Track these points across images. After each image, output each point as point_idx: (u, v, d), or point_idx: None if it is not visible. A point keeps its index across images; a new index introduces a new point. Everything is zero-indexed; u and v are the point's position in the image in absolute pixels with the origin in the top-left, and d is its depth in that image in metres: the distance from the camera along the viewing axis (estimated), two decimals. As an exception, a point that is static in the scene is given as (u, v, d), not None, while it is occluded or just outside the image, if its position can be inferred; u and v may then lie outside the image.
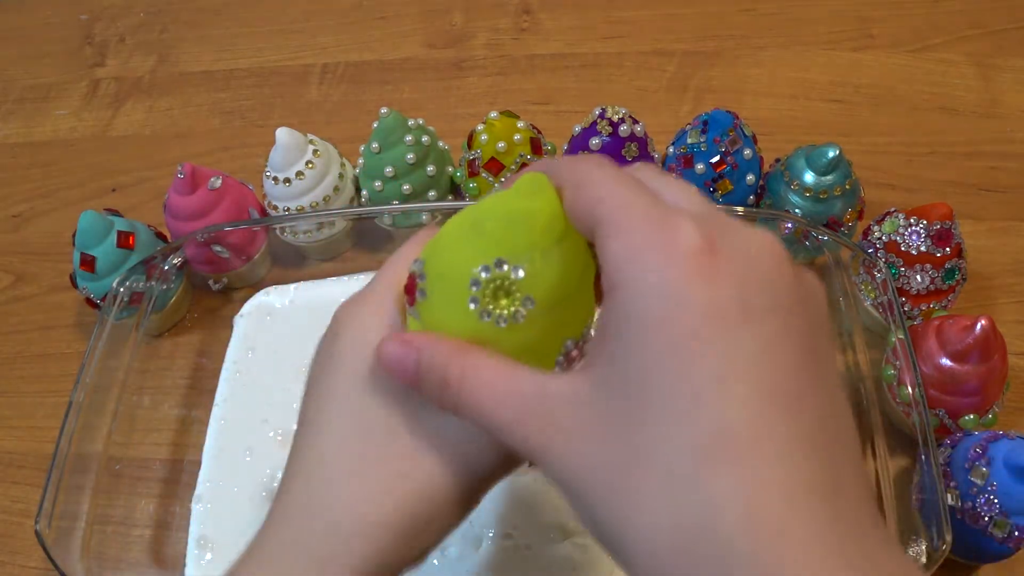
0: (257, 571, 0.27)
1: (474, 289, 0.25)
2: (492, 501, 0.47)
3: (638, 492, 0.21)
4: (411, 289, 0.27)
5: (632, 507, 0.21)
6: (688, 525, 0.20)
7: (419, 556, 0.28)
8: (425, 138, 0.54)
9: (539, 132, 0.55)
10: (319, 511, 0.27)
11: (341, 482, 0.27)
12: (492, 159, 0.53)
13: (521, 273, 0.25)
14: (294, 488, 0.28)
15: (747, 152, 0.51)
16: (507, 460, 0.28)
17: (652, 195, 0.23)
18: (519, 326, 0.25)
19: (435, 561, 0.46)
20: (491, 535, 0.46)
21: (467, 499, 0.28)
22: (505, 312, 0.25)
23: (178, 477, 0.52)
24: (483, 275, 0.25)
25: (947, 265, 0.48)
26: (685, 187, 0.25)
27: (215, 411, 0.53)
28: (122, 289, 0.52)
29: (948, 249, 0.48)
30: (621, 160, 0.52)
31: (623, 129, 0.51)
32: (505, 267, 0.25)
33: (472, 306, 0.25)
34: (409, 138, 0.54)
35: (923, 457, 0.43)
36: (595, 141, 0.51)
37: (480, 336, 0.26)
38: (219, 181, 0.55)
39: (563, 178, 0.25)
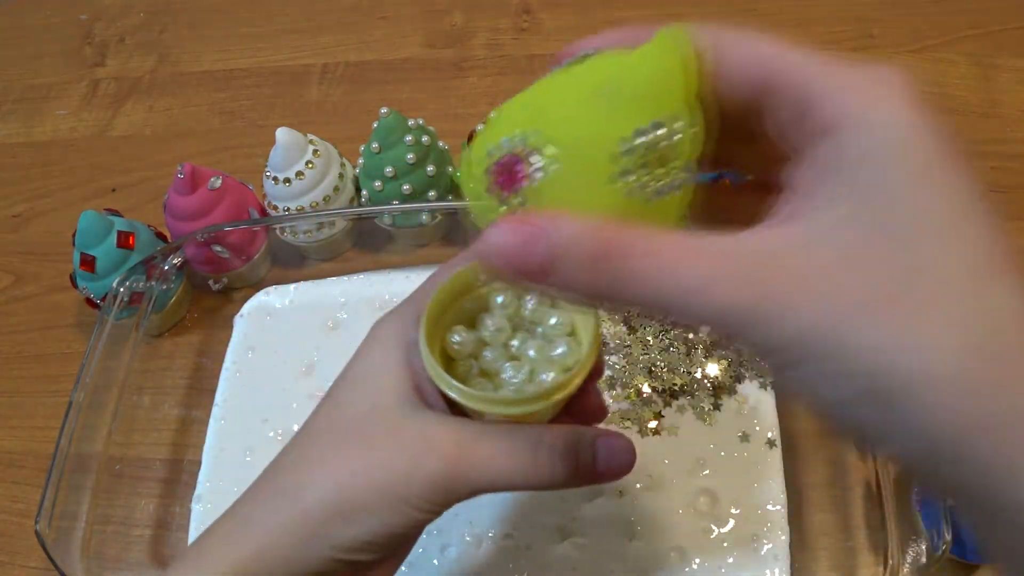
0: (238, 532, 0.30)
1: (625, 159, 0.22)
2: (492, 501, 0.47)
3: (911, 318, 0.19)
4: (514, 171, 0.23)
5: (907, 337, 0.19)
6: (974, 342, 0.19)
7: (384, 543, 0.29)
8: (425, 138, 0.54)
9: (539, 132, 0.55)
10: (293, 486, 0.29)
11: (317, 465, 0.30)
12: (492, 159, 0.53)
13: (679, 135, 0.22)
14: (277, 463, 0.32)
15: (747, 152, 0.51)
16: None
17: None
18: (672, 198, 0.22)
19: (435, 561, 0.46)
20: (491, 535, 0.46)
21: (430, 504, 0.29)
22: (663, 182, 0.22)
23: (178, 477, 0.52)
24: (638, 140, 0.22)
25: (947, 265, 0.48)
26: None
27: (215, 411, 0.53)
28: (122, 289, 0.52)
29: (948, 249, 0.47)
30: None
31: (623, 129, 0.51)
32: (663, 130, 0.22)
33: (623, 178, 0.22)
34: (409, 138, 0.54)
35: (923, 457, 0.43)
36: (595, 141, 0.51)
37: (624, 214, 0.22)
38: (219, 181, 0.55)
39: (697, 36, 0.23)
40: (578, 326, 0.32)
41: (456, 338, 0.31)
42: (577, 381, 0.29)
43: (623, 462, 0.30)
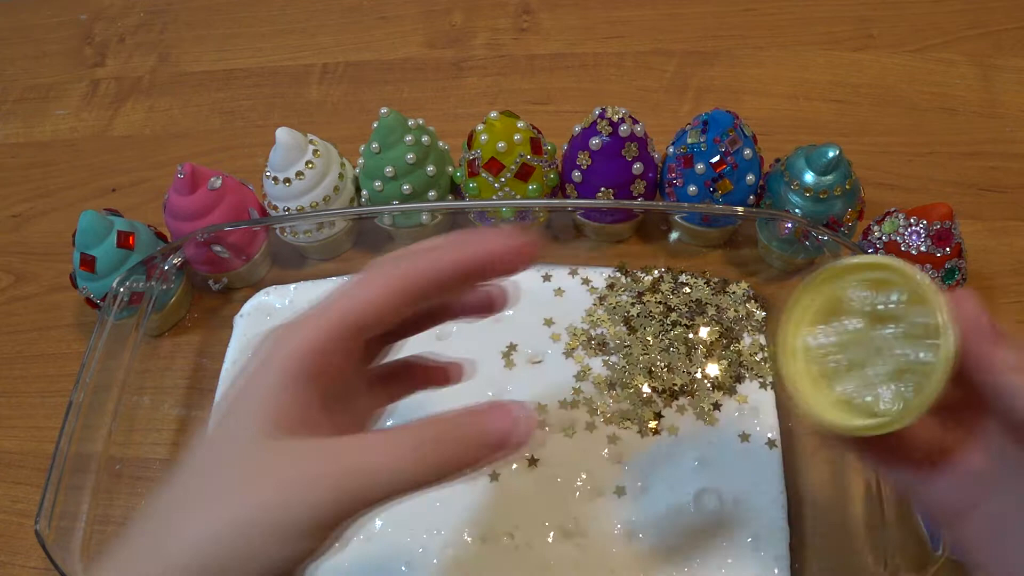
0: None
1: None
2: (492, 501, 0.47)
3: None
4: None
5: None
6: None
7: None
8: (425, 138, 0.54)
9: (539, 132, 0.55)
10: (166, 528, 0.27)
11: (187, 508, 0.27)
12: (492, 159, 0.53)
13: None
14: (153, 501, 0.28)
15: (747, 152, 0.51)
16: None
17: None
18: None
19: (435, 560, 0.46)
20: (491, 535, 0.46)
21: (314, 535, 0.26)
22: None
23: (178, 477, 0.52)
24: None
25: (947, 265, 0.48)
26: None
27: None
28: (122, 289, 0.52)
29: (948, 249, 0.48)
30: (621, 160, 0.52)
31: (623, 129, 0.51)
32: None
33: None
34: (409, 138, 0.54)
35: (923, 457, 0.43)
36: (595, 141, 0.51)
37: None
38: (219, 181, 0.55)
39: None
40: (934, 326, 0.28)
41: (822, 339, 0.28)
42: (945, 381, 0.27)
43: (512, 431, 0.27)
